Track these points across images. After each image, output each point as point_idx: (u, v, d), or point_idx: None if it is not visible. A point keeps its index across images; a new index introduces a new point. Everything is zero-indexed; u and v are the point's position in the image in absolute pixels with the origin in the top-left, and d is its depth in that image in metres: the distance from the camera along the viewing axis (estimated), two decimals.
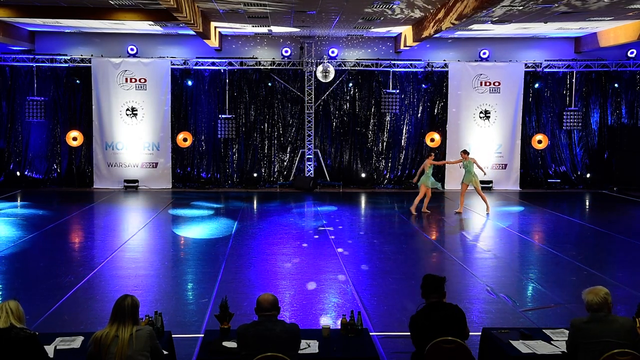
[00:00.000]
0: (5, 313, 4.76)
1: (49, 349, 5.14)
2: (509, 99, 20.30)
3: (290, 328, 4.95)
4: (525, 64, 20.36)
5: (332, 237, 13.02)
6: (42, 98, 19.67)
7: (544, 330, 5.92)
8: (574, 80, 20.54)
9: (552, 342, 5.58)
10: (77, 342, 5.45)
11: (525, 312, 8.30)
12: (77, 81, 19.74)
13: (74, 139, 19.88)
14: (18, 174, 20.09)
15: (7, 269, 10.63)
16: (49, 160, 20.26)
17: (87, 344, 4.93)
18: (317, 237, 13.13)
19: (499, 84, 20.27)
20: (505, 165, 20.52)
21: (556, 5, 13.65)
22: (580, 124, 20.41)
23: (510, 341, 5.58)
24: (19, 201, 17.84)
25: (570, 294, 9.08)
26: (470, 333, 7.06)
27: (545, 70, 20.45)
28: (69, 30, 19.61)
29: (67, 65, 19.81)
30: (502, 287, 9.52)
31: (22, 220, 15.25)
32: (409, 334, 5.51)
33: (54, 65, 19.83)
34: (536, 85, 20.44)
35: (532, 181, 20.88)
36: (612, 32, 17.86)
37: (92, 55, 19.87)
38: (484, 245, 12.65)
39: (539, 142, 20.63)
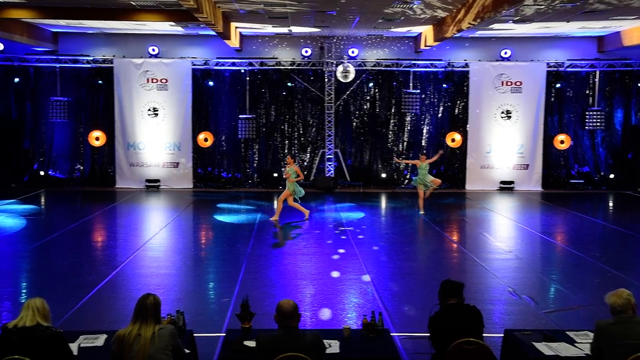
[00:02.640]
0: (32, 311, 4.81)
1: (73, 347, 5.19)
2: (530, 99, 20.14)
3: (311, 343, 4.80)
4: (547, 64, 20.18)
5: (353, 237, 13.00)
6: (65, 98, 19.88)
7: (567, 332, 5.85)
8: (597, 79, 20.32)
9: (575, 344, 5.52)
10: (100, 340, 5.50)
11: (548, 314, 8.22)
12: (100, 81, 19.91)
13: (97, 139, 20.07)
14: (42, 173, 20.31)
15: (31, 268, 10.76)
16: (72, 160, 20.47)
17: (110, 342, 4.97)
18: (337, 237, 13.11)
19: (521, 83, 20.11)
20: (527, 165, 20.35)
21: (590, 2, 13.43)
22: (603, 124, 20.17)
23: (533, 343, 5.52)
24: (42, 201, 18.05)
25: (594, 296, 8.98)
26: (492, 334, 7.05)
27: (567, 69, 20.25)
28: (91, 31, 19.80)
29: (89, 65, 20.00)
30: (524, 289, 9.45)
31: (45, 220, 15.46)
32: (429, 335, 5.49)
33: (76, 65, 20.03)
34: (558, 85, 20.24)
35: (554, 182, 20.68)
36: (635, 31, 17.63)
37: (114, 56, 20.05)
38: (505, 246, 12.56)
39: (562, 142, 20.44)
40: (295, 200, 14.71)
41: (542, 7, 13.86)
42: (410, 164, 15.51)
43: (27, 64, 19.97)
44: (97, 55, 20.12)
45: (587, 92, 20.52)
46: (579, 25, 17.32)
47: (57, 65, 19.94)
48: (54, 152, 20.41)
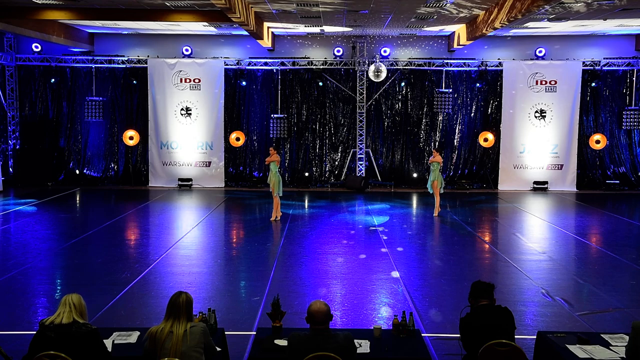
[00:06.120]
0: (69, 308, 4.88)
1: (107, 343, 5.25)
2: (565, 98, 19.85)
3: (343, 344, 4.78)
4: (583, 62, 19.87)
5: (384, 237, 12.96)
6: (101, 98, 20.21)
7: (601, 335, 5.75)
8: (634, 78, 19.95)
9: (610, 347, 5.43)
10: (133, 337, 5.57)
11: (582, 316, 8.10)
12: (134, 81, 20.17)
13: (131, 138, 20.35)
14: (77, 172, 20.68)
15: (67, 264, 10.94)
16: (107, 158, 20.79)
17: (142, 339, 5.02)
18: (368, 237, 13.09)
19: (556, 82, 19.84)
20: (562, 165, 20.07)
21: None
22: None
23: (567, 345, 5.44)
24: (77, 199, 18.35)
25: (630, 298, 8.83)
26: (525, 336, 6.97)
27: (604, 68, 19.91)
28: (126, 32, 20.07)
29: (124, 66, 20.29)
30: (557, 290, 9.32)
31: (80, 218, 15.71)
32: (460, 336, 5.45)
33: (112, 66, 20.34)
34: (594, 84, 19.90)
35: (589, 182, 20.37)
36: None
37: (148, 56, 20.30)
38: (538, 247, 12.39)
39: (597, 142, 20.11)
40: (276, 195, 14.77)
41: (590, 1, 13.47)
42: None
43: (64, 64, 20.34)
44: (132, 55, 20.40)
45: (624, 91, 20.17)
46: (616, 24, 17.01)
47: (93, 65, 20.27)
48: (89, 151, 20.76)
